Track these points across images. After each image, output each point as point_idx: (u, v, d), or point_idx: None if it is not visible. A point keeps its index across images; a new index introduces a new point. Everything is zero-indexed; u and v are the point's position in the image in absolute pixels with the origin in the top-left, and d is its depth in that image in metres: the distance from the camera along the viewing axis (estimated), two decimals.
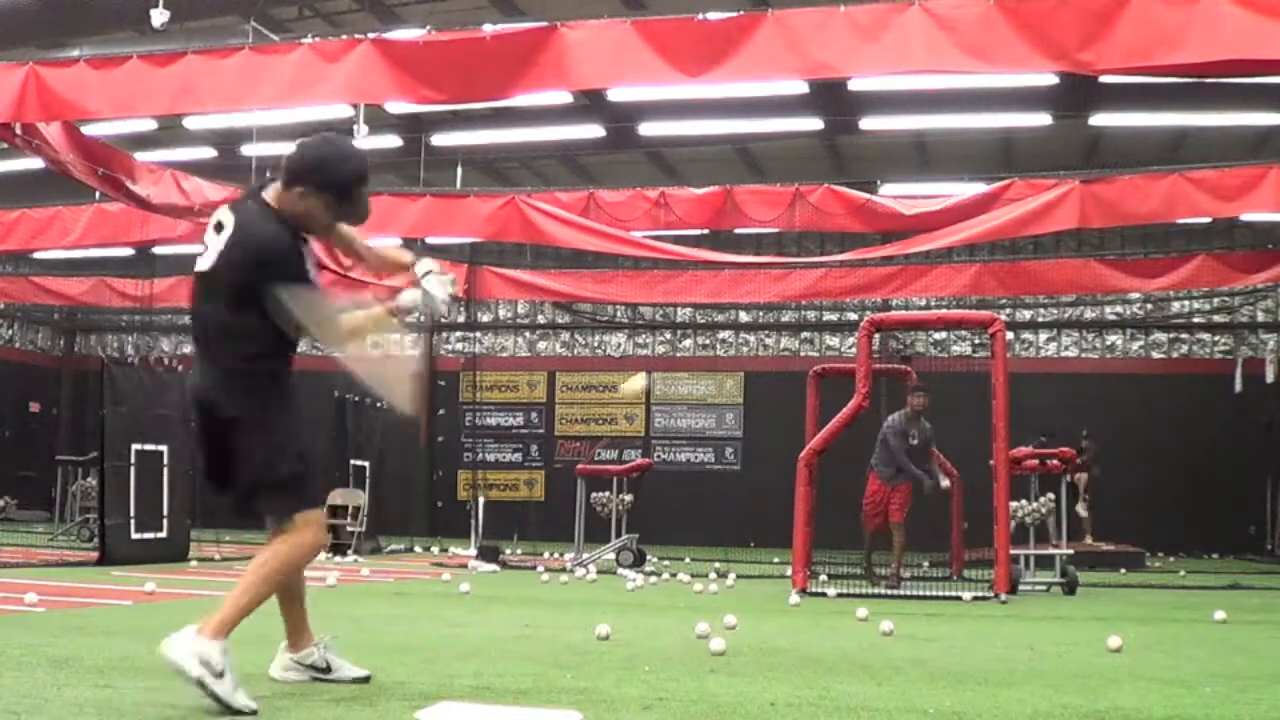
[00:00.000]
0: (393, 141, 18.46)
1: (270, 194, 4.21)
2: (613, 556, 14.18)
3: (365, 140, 15.39)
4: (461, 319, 25.01)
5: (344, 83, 10.01)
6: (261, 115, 14.71)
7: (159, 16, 12.67)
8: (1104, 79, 13.25)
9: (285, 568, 4.19)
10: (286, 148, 4.32)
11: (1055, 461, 11.79)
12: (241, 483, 4.15)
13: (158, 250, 18.95)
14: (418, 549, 17.95)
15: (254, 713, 3.84)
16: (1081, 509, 17.49)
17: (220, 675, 3.81)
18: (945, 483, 11.89)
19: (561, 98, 15.63)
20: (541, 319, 25.24)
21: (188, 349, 24.95)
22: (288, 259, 4.11)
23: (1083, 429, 17.69)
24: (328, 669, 4.51)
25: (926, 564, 13.98)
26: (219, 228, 4.17)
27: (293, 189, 4.16)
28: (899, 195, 15.56)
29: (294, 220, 4.19)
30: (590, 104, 16.84)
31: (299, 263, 4.15)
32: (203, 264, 4.17)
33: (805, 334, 24.04)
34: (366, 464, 16.90)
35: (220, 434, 4.16)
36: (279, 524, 4.20)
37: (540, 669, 5.07)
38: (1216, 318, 22.63)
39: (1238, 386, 20.69)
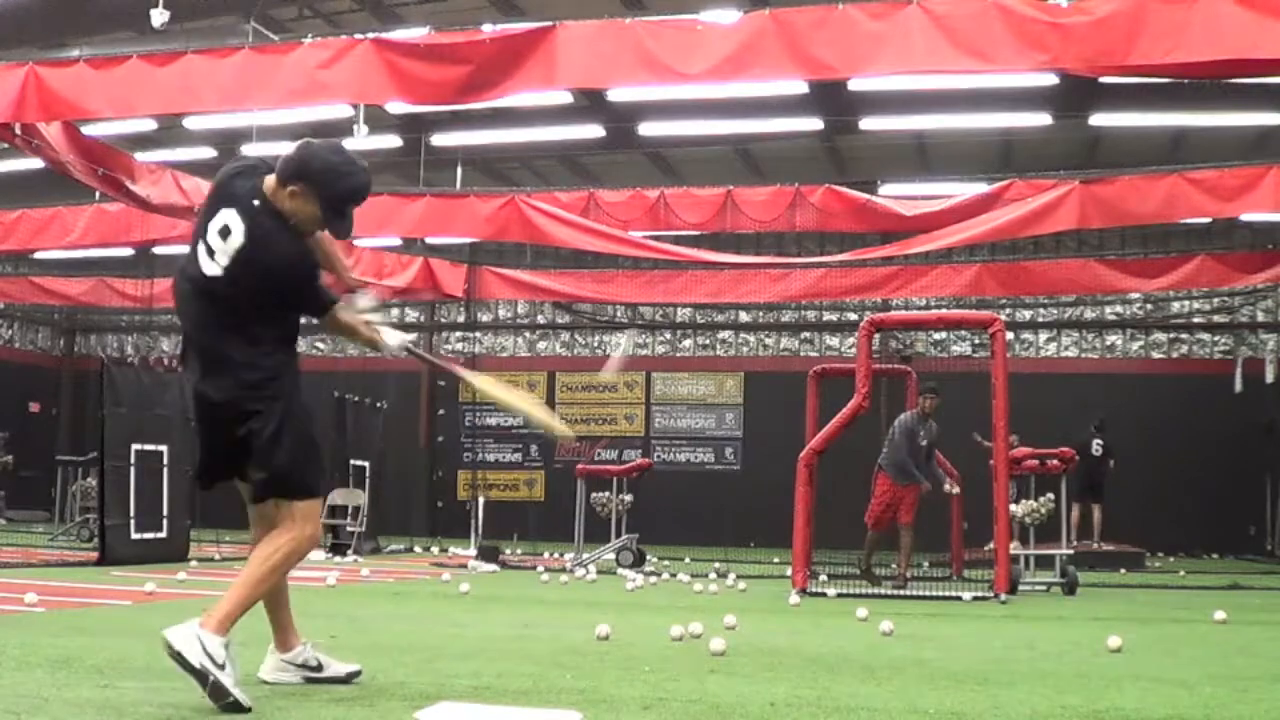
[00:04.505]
0: (393, 141, 18.45)
1: (268, 189, 4.17)
2: (613, 556, 14.18)
3: (365, 140, 15.39)
4: (461, 319, 25.04)
5: (344, 83, 10.01)
6: (261, 115, 14.72)
7: (159, 16, 12.68)
8: (1104, 79, 13.25)
9: (288, 561, 4.16)
10: (286, 148, 4.31)
11: (1055, 462, 11.78)
12: (257, 469, 4.15)
13: (158, 250, 18.94)
14: (418, 549, 17.95)
15: (248, 709, 3.83)
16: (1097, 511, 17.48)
17: (222, 667, 3.79)
18: (952, 488, 11.81)
19: (561, 98, 15.64)
20: (541, 319, 25.25)
21: None
22: (304, 265, 4.23)
23: (1094, 421, 17.76)
24: (319, 667, 4.48)
25: (926, 564, 13.98)
26: (225, 233, 4.11)
27: (287, 186, 4.13)
28: (899, 195, 15.56)
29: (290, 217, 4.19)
30: (590, 104, 16.84)
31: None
32: (209, 268, 4.13)
33: (805, 334, 24.05)
34: (366, 464, 16.90)
35: (232, 425, 4.16)
36: (272, 517, 4.19)
37: (540, 669, 5.06)
38: (1216, 318, 22.64)
39: (1238, 386, 20.69)
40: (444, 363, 5.03)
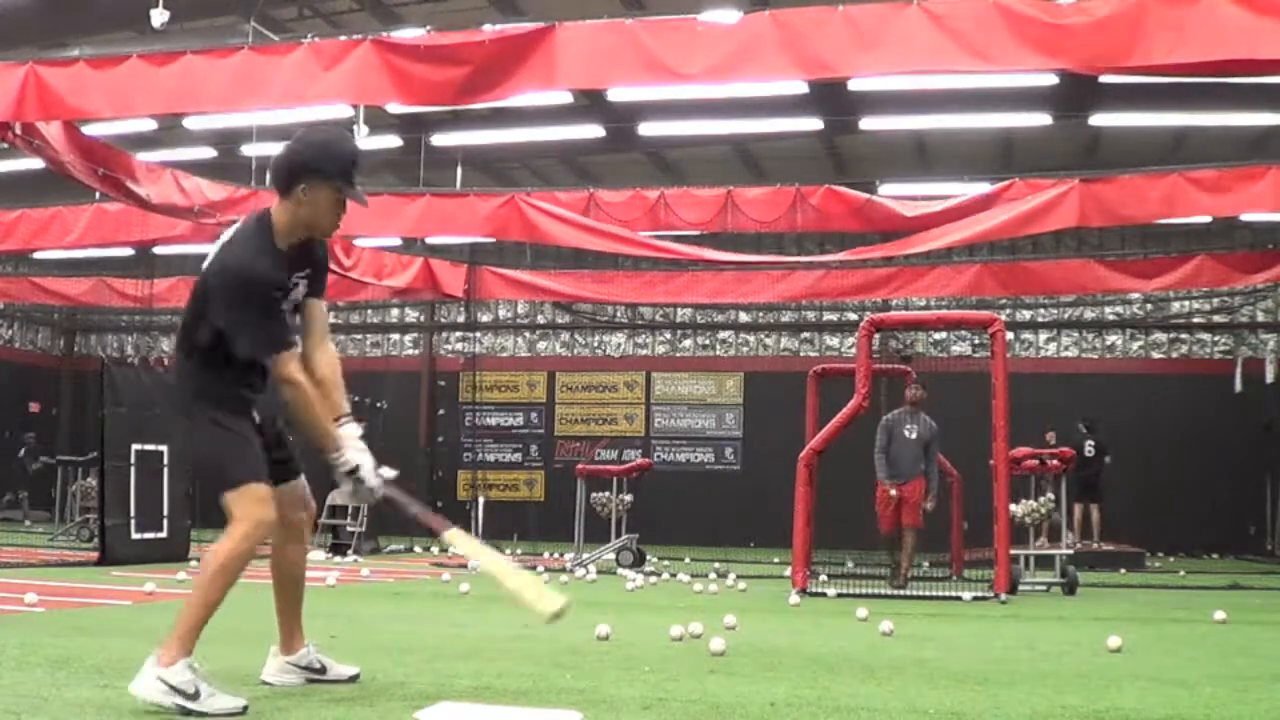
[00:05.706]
0: (393, 141, 18.44)
1: (275, 209, 4.19)
2: (613, 557, 14.18)
3: (365, 140, 15.38)
4: (461, 319, 25.02)
5: (344, 83, 10.00)
6: (261, 115, 14.72)
7: (159, 16, 12.66)
8: (1104, 79, 13.24)
9: (229, 563, 3.96)
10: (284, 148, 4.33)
11: (1055, 461, 11.78)
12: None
13: (158, 250, 18.94)
14: (418, 549, 17.94)
15: (244, 709, 3.83)
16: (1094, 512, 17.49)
17: (195, 695, 3.78)
18: (929, 502, 11.61)
19: (561, 98, 15.63)
20: (541, 319, 25.24)
21: None
22: (253, 288, 4.07)
23: (1083, 422, 17.79)
24: (323, 669, 4.50)
25: (926, 564, 13.97)
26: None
27: (295, 188, 4.10)
28: (899, 196, 15.55)
29: (302, 230, 4.18)
30: (590, 104, 16.84)
31: (268, 292, 4.11)
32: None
33: (805, 334, 24.04)
34: None
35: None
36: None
37: (540, 669, 5.07)
38: (1216, 318, 22.63)
39: (1238, 386, 20.69)
40: (426, 517, 4.29)
